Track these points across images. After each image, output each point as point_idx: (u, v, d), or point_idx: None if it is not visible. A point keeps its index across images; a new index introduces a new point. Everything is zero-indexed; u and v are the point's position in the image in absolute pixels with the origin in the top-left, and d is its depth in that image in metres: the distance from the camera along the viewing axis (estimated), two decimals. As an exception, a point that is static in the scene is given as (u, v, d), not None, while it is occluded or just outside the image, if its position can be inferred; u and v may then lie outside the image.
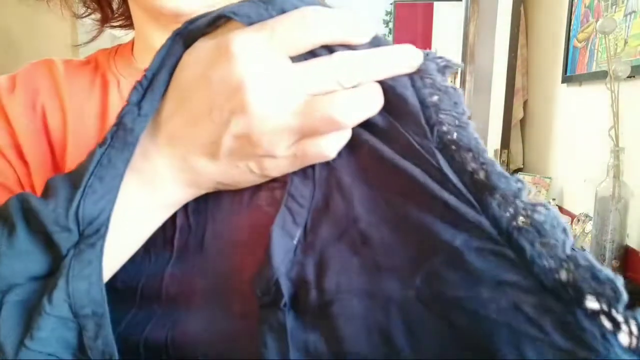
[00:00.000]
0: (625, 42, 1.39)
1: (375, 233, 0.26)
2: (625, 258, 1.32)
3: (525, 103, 2.27)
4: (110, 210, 0.26)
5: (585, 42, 1.68)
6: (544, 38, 2.12)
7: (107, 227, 0.26)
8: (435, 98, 0.26)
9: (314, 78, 0.25)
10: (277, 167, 0.28)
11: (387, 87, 0.27)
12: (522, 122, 2.30)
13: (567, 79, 1.82)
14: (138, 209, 0.28)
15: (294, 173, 0.28)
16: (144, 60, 0.45)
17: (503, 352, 0.22)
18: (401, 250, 0.25)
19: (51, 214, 0.25)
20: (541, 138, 2.12)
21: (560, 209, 1.77)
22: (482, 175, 0.24)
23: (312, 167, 0.28)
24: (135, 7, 0.44)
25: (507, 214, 0.23)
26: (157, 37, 0.43)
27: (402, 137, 0.26)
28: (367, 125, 0.27)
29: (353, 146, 0.27)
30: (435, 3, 4.48)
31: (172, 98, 0.27)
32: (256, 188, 0.30)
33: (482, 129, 2.42)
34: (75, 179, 0.26)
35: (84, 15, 0.49)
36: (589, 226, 1.50)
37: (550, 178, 1.93)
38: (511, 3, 2.10)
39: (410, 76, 0.27)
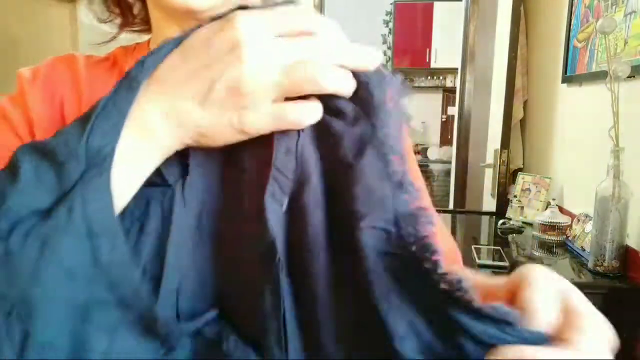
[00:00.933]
0: (625, 42, 1.39)
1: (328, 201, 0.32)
2: (625, 258, 1.32)
3: (525, 103, 2.27)
4: (114, 144, 0.29)
5: (585, 42, 1.68)
6: (544, 38, 2.12)
7: (111, 160, 0.29)
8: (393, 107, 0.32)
9: (301, 48, 0.30)
10: (256, 122, 0.31)
11: (362, 81, 0.32)
12: (522, 122, 2.30)
13: (567, 79, 1.82)
14: (132, 151, 0.30)
15: (278, 149, 0.32)
16: None
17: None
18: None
19: (62, 143, 0.29)
20: (541, 138, 2.12)
21: (561, 209, 1.77)
22: (397, 177, 0.31)
23: (295, 144, 0.32)
24: (153, 7, 0.47)
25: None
26: (171, 34, 0.44)
27: (366, 125, 0.31)
28: (338, 112, 0.32)
29: (322, 131, 0.32)
30: (435, 3, 4.47)
31: (176, 56, 0.32)
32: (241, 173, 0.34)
33: (482, 129, 2.41)
34: (83, 120, 0.30)
35: (107, 20, 0.52)
36: (589, 226, 1.50)
37: (550, 178, 1.93)
38: (511, 3, 2.10)
39: (381, 77, 0.32)
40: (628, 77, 1.29)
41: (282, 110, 0.31)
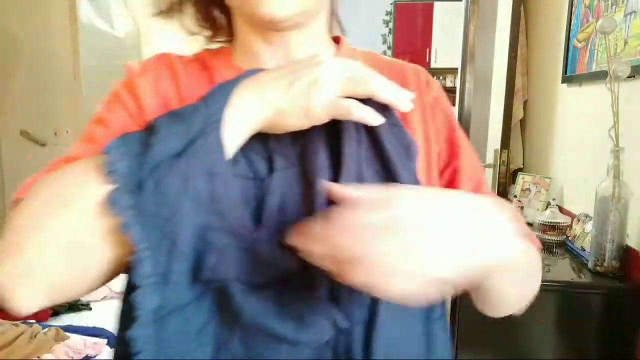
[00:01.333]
0: (625, 42, 1.39)
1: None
2: (625, 258, 1.32)
3: (525, 103, 2.27)
4: (221, 114, 0.41)
5: (585, 42, 1.68)
6: (544, 38, 2.12)
7: (220, 123, 0.40)
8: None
9: (363, 74, 0.44)
10: (319, 108, 0.42)
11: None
12: (522, 122, 2.30)
13: (567, 79, 1.82)
14: (231, 122, 0.41)
15: (345, 156, 0.44)
16: (243, 62, 0.55)
17: None
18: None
19: (189, 108, 0.42)
20: (541, 138, 2.12)
21: (561, 209, 1.77)
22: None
23: (359, 141, 0.45)
24: (238, 19, 0.54)
25: None
26: (255, 43, 0.54)
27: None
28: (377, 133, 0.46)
29: (375, 133, 0.46)
30: (435, 3, 4.47)
31: (268, 70, 0.45)
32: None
33: (482, 129, 2.41)
34: (201, 98, 0.43)
35: (196, 34, 0.59)
36: (589, 226, 1.50)
37: (550, 178, 1.93)
38: (511, 3, 2.10)
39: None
40: (628, 77, 1.29)
41: (338, 100, 0.43)
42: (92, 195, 0.38)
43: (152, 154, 0.38)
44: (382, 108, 0.45)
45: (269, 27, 0.51)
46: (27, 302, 0.38)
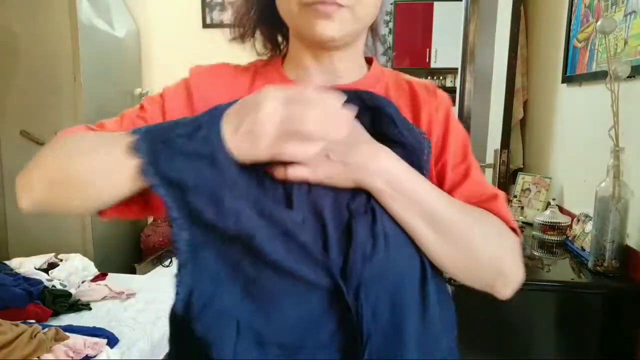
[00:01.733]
0: (625, 42, 1.39)
1: None
2: (625, 258, 1.32)
3: (525, 103, 2.27)
4: (221, 117, 0.50)
5: (585, 42, 1.68)
6: (544, 38, 2.12)
7: (220, 120, 0.50)
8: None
9: (296, 109, 0.48)
10: (258, 151, 0.48)
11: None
12: (522, 122, 2.30)
13: (567, 79, 1.82)
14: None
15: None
16: (292, 73, 0.65)
17: None
18: None
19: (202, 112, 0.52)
20: (541, 138, 2.12)
21: (561, 209, 1.77)
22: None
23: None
24: (294, 39, 0.64)
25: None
26: (306, 59, 0.63)
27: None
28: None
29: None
30: (435, 3, 4.47)
31: (236, 105, 0.52)
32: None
33: (482, 129, 2.41)
34: (212, 108, 0.53)
35: (264, 54, 0.70)
36: (589, 226, 1.50)
37: (550, 178, 1.93)
38: (511, 3, 2.10)
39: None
40: (628, 77, 1.29)
41: (277, 147, 0.48)
42: (126, 165, 0.50)
43: (162, 132, 0.51)
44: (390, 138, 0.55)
45: (318, 46, 0.60)
46: (24, 205, 0.54)
